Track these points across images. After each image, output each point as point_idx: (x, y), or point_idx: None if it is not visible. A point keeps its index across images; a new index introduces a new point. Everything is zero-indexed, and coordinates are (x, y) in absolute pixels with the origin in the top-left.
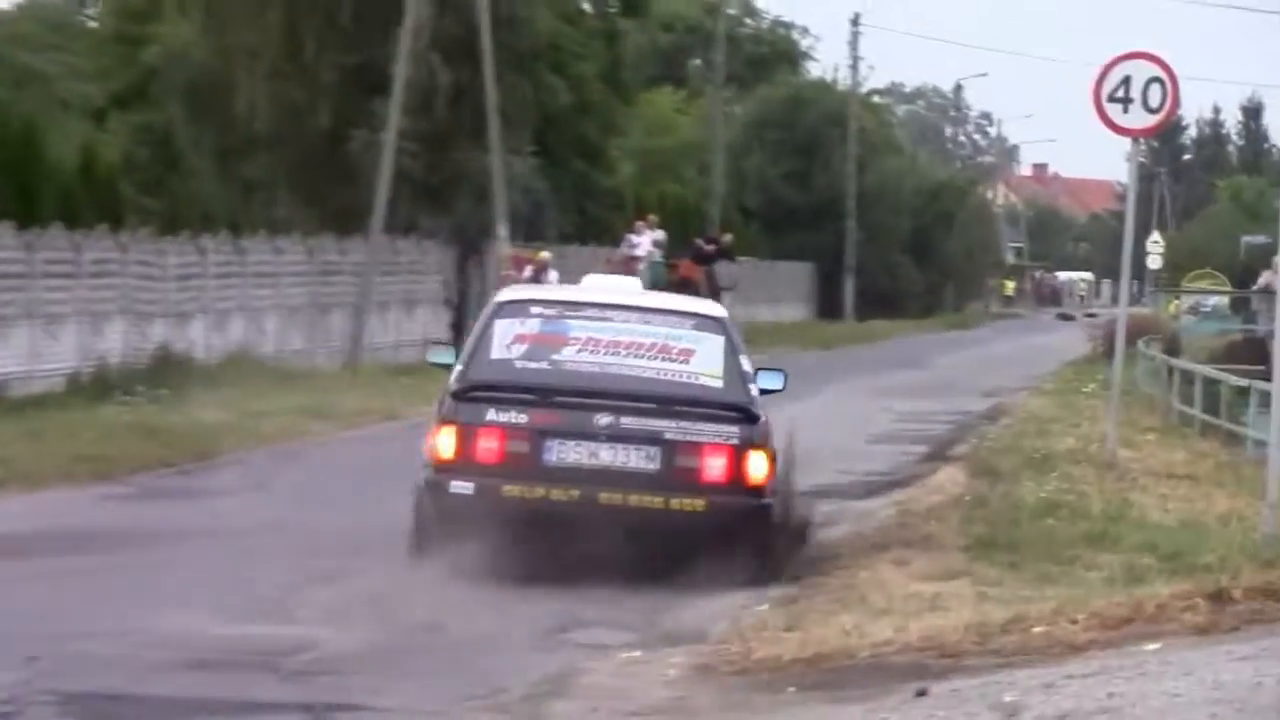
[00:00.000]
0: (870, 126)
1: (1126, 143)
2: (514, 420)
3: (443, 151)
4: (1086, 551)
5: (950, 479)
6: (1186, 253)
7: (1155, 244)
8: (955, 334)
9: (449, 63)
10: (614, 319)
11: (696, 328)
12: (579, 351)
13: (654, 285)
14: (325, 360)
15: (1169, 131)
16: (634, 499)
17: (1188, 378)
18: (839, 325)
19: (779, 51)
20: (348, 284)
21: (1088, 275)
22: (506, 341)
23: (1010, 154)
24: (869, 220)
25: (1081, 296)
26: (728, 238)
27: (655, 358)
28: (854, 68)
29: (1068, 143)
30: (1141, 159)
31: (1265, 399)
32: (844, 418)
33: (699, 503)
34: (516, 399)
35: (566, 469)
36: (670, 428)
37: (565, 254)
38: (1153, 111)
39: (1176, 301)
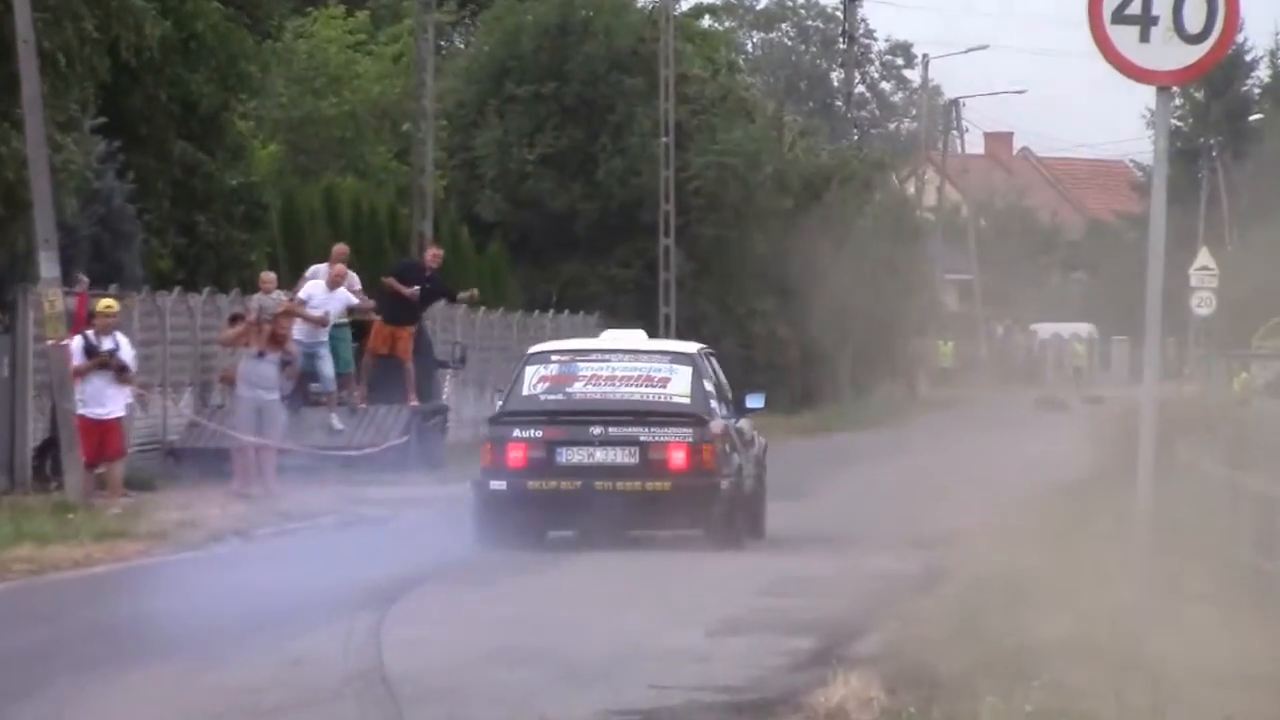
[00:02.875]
0: (699, 71)
1: (1149, 95)
2: (533, 435)
3: None
4: None
5: (855, 696)
6: (1258, 287)
7: (1204, 272)
8: (856, 437)
9: None
10: (612, 360)
11: (673, 362)
12: (585, 385)
13: (339, 369)
14: None
15: (1223, 74)
16: (620, 485)
17: (1270, 509)
18: None
19: None
20: None
21: (1087, 329)
22: (534, 381)
23: (948, 116)
24: (699, 238)
25: (1078, 368)
26: (432, 255)
27: (640, 385)
28: None
29: (1047, 97)
30: (1176, 122)
31: None
32: (667, 589)
33: (666, 484)
34: (536, 420)
35: (571, 467)
36: (644, 433)
37: (159, 307)
38: (1193, 40)
39: (1245, 374)
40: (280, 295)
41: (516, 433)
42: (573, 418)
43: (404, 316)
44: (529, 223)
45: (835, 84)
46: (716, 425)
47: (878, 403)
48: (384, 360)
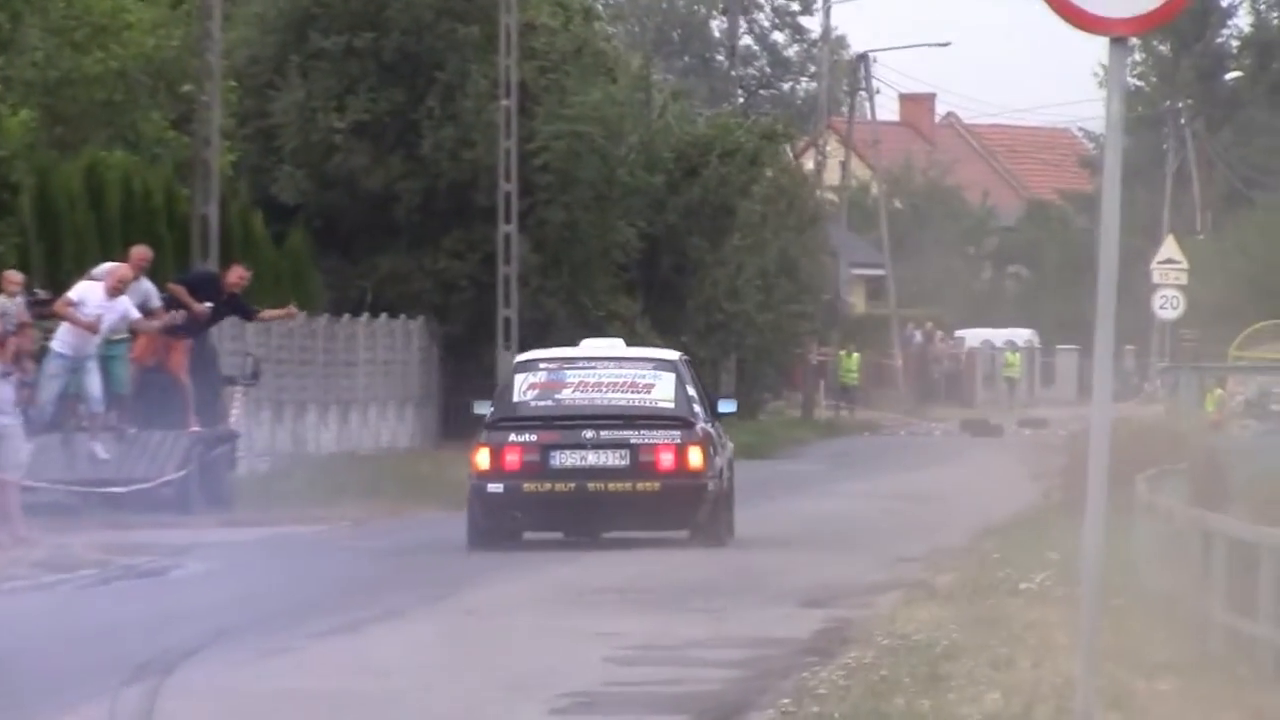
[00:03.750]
0: (548, 19)
1: (1101, 48)
2: (528, 439)
3: None
4: None
5: None
6: (1236, 283)
7: (1170, 266)
8: (742, 469)
9: None
10: (598, 367)
11: (656, 368)
12: (573, 391)
13: (113, 389)
14: None
15: (1193, 23)
16: (611, 486)
17: (1249, 559)
18: None
19: None
20: None
21: (1026, 335)
22: (524, 388)
23: (855, 75)
24: (547, 224)
25: (1011, 380)
26: (238, 276)
27: (626, 391)
28: None
29: (977, 51)
30: (1135, 81)
31: None
32: (508, 654)
33: (655, 485)
34: (529, 425)
35: (565, 469)
36: (634, 436)
37: None
38: None
39: (1220, 390)
40: (22, 299)
41: (512, 437)
42: (565, 422)
43: (183, 329)
44: (338, 206)
45: (716, 35)
46: (701, 428)
47: (768, 427)
48: (151, 375)
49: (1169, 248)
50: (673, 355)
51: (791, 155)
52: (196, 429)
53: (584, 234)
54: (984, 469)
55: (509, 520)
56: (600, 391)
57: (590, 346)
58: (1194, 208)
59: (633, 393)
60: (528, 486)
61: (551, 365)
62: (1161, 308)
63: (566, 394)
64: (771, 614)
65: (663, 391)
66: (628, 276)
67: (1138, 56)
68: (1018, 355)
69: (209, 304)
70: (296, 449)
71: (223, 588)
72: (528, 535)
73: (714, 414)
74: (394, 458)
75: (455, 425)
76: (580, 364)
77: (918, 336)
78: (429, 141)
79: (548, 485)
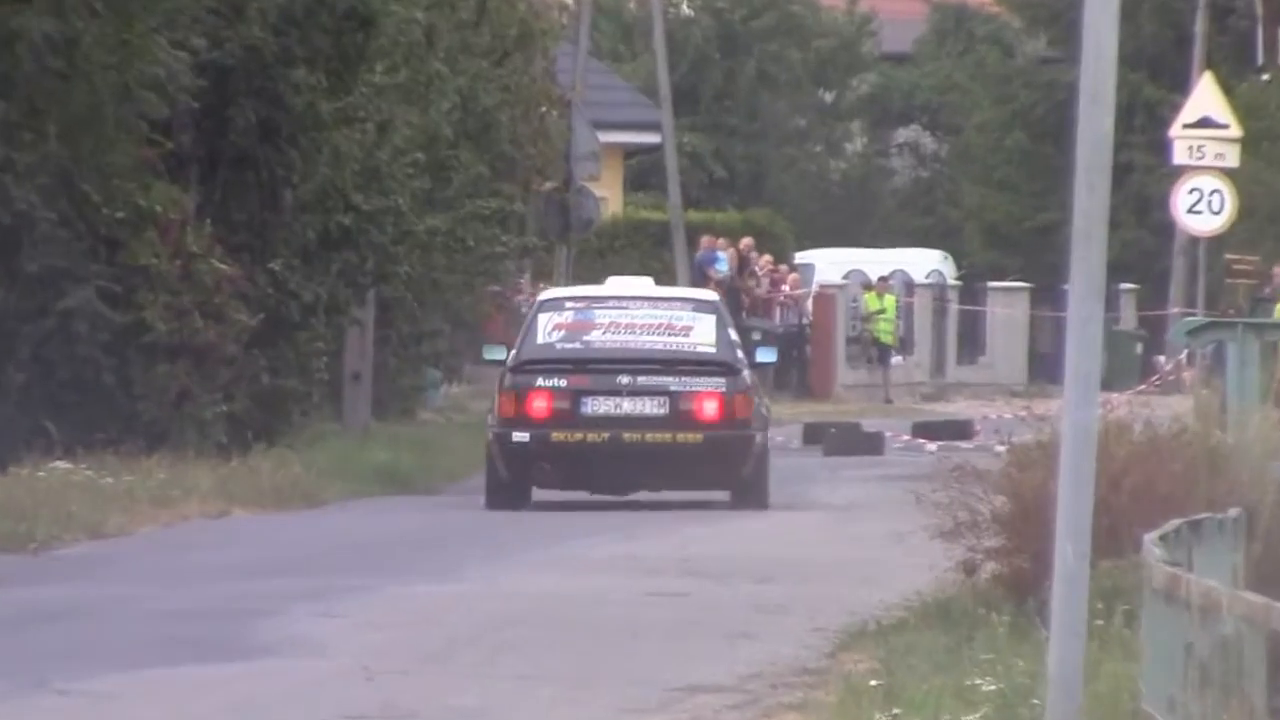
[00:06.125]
0: None
1: None
2: (557, 384)
3: None
4: None
5: None
6: None
7: (1207, 132)
8: (380, 514)
9: None
10: (630, 306)
11: (695, 309)
12: (604, 333)
13: None
14: None
15: None
16: (649, 437)
17: None
18: None
19: None
20: None
21: (927, 266)
22: (548, 329)
23: None
24: (19, 38)
25: (881, 344)
26: None
27: (663, 333)
28: None
29: None
30: None
31: None
32: None
33: (698, 436)
34: (558, 369)
35: (598, 418)
36: (674, 382)
37: None
38: None
39: None
40: None
41: (539, 381)
42: (597, 366)
43: None
44: None
45: None
46: (747, 375)
47: (433, 435)
48: None
49: (1204, 98)
50: (713, 296)
51: None
52: None
53: (88, 64)
54: (849, 517)
55: (537, 472)
56: (634, 333)
57: (617, 285)
58: (1251, 23)
59: (670, 335)
60: (556, 436)
61: (579, 304)
62: (1191, 210)
63: (596, 335)
64: None
65: (703, 334)
66: (172, 146)
67: None
68: (893, 299)
69: None
70: None
71: None
72: None
73: (752, 364)
74: None
75: None
76: (610, 303)
77: (724, 263)
78: None
79: (579, 435)
